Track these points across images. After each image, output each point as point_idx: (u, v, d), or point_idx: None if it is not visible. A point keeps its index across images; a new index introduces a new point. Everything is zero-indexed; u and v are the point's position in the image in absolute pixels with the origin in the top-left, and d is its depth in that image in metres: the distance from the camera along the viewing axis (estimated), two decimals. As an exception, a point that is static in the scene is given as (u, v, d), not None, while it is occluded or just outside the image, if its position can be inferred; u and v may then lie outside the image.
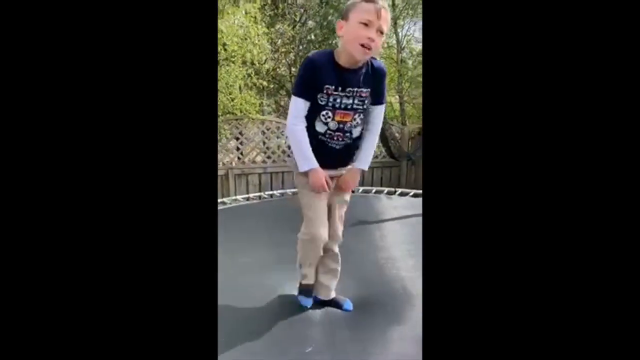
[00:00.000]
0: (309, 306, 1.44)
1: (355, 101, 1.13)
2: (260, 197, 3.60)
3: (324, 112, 1.13)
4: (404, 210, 2.89)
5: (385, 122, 4.22)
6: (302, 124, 1.15)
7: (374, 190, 3.56)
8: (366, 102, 1.14)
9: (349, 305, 1.45)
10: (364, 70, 1.11)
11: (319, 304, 1.47)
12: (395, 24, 6.99)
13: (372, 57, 1.13)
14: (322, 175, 1.18)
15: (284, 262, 1.71)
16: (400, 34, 6.78)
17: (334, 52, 1.12)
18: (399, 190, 3.50)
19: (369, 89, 1.13)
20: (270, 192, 3.78)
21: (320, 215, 1.26)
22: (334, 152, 1.19)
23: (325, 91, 1.11)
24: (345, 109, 1.13)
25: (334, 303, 1.44)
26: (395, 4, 6.86)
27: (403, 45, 6.98)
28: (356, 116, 1.15)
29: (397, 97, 7.60)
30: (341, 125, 1.15)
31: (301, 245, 1.36)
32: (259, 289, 1.62)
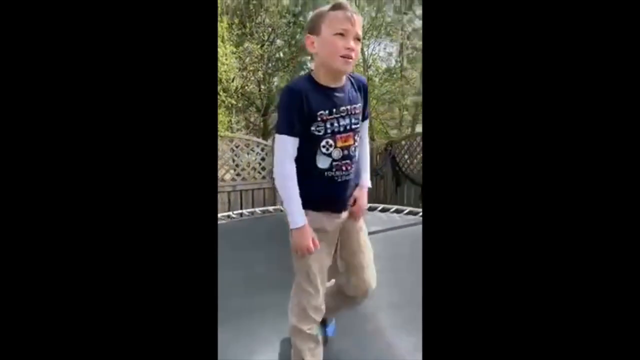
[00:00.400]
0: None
1: (352, 120, 0.98)
2: (229, 216, 3.52)
3: (323, 143, 0.96)
4: (371, 226, 2.93)
5: None
6: (292, 167, 0.96)
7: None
8: (359, 117, 1.01)
9: (331, 330, 1.31)
10: (349, 86, 1.00)
11: None
12: (361, 44, 7.27)
13: (350, 74, 1.02)
14: (308, 235, 0.97)
15: (254, 285, 1.66)
16: (366, 53, 7.04)
17: (311, 74, 0.98)
18: (368, 205, 3.55)
19: (360, 104, 1.01)
20: (240, 211, 3.70)
21: (317, 283, 1.03)
22: (345, 188, 1.01)
23: (319, 118, 0.95)
24: (345, 131, 0.97)
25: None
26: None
27: (369, 64, 7.23)
28: (356, 137, 1.00)
29: (365, 113, 7.83)
30: (346, 152, 0.98)
31: (292, 329, 1.05)
32: (222, 310, 1.55)
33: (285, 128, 0.95)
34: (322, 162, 0.97)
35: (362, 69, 6.66)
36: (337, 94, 0.97)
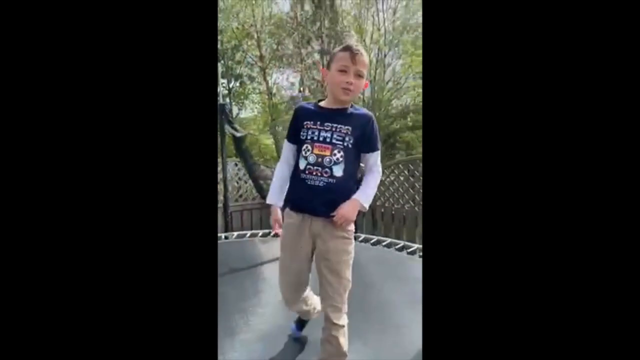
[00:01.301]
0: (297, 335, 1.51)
1: (335, 136, 1.15)
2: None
3: (304, 147, 1.17)
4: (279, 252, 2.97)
5: (254, 163, 4.36)
6: (284, 164, 1.24)
7: (248, 234, 3.56)
8: (346, 138, 1.15)
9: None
10: (347, 114, 1.18)
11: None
12: (264, 73, 7.50)
13: (353, 106, 1.21)
14: (275, 214, 1.23)
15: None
16: (270, 82, 7.29)
17: (322, 99, 1.26)
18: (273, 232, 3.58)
19: (349, 127, 1.15)
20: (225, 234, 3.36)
21: (288, 277, 1.25)
22: (314, 191, 1.14)
23: (304, 126, 1.19)
24: (324, 142, 1.15)
25: None
26: (262, 55, 7.39)
27: (273, 92, 7.48)
28: (335, 151, 1.14)
29: (272, 139, 7.98)
30: (320, 159, 1.14)
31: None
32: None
33: (286, 136, 1.24)
34: (301, 163, 1.18)
35: (266, 97, 6.85)
36: (328, 113, 1.19)
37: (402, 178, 3.71)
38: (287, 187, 1.23)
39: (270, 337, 1.61)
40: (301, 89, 6.97)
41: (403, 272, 2.47)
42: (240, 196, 4.53)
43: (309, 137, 1.16)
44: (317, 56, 7.06)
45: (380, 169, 1.23)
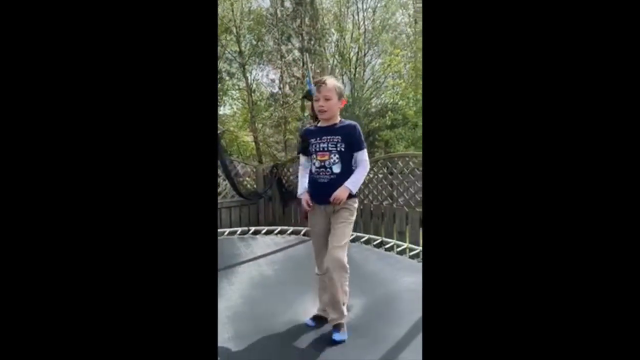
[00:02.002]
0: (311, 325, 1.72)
1: (329, 145, 1.64)
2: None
3: (313, 156, 1.68)
4: (258, 250, 2.97)
5: (228, 160, 4.34)
6: (303, 170, 1.77)
7: (226, 232, 3.54)
8: (338, 145, 1.63)
9: (337, 336, 1.60)
10: (336, 127, 1.67)
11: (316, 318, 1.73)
12: (243, 69, 7.41)
13: (341, 120, 1.70)
14: (306, 197, 1.70)
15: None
16: (249, 79, 7.21)
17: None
18: (252, 229, 3.59)
19: (338, 137, 1.64)
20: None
21: (314, 245, 1.75)
22: (323, 186, 1.64)
23: (311, 142, 1.69)
24: (323, 150, 1.65)
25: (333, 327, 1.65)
26: (242, 51, 7.30)
27: (253, 89, 7.41)
28: (332, 155, 1.64)
29: (252, 136, 7.90)
30: (323, 163, 1.65)
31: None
32: None
33: (299, 150, 1.81)
34: (312, 168, 1.69)
35: (246, 94, 6.77)
36: (324, 130, 1.68)
37: (380, 175, 3.77)
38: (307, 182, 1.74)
39: (244, 337, 1.62)
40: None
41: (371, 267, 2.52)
42: (219, 193, 4.48)
43: (314, 150, 1.67)
44: (297, 53, 7.04)
45: (367, 163, 1.67)
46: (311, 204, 1.70)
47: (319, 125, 1.72)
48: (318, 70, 7.31)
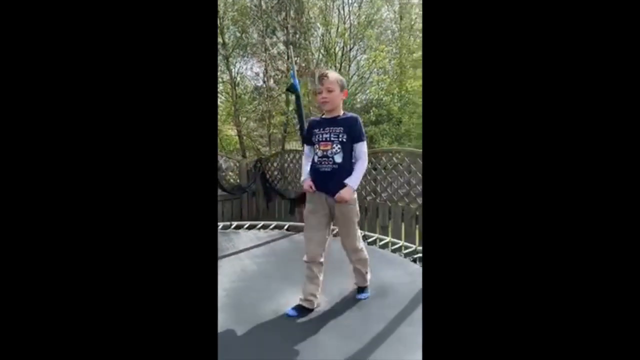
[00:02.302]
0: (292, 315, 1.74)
1: (331, 135, 1.72)
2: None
3: (316, 146, 1.75)
4: (241, 244, 2.95)
5: None
6: (306, 159, 1.86)
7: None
8: (340, 136, 1.71)
9: (362, 295, 1.92)
10: (338, 118, 1.75)
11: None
12: (227, 62, 7.27)
13: (344, 112, 1.78)
14: (308, 181, 1.78)
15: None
16: (233, 72, 7.08)
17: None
18: (235, 224, 3.55)
19: (341, 128, 1.72)
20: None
21: (313, 234, 1.77)
22: (325, 175, 1.74)
23: (315, 132, 1.77)
24: (325, 140, 1.73)
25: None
26: (225, 43, 7.16)
27: (237, 82, 7.29)
28: (334, 145, 1.71)
29: (235, 130, 7.79)
30: (325, 153, 1.73)
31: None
32: None
33: (304, 140, 1.93)
34: (315, 157, 1.78)
35: (229, 87, 6.66)
36: (327, 120, 1.77)
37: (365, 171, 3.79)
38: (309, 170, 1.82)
39: (227, 327, 1.62)
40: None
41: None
42: (202, 188, 4.41)
43: (317, 140, 1.75)
44: (281, 46, 6.97)
45: (366, 157, 1.76)
46: (313, 188, 1.79)
47: (323, 116, 1.82)
48: (303, 64, 7.26)
